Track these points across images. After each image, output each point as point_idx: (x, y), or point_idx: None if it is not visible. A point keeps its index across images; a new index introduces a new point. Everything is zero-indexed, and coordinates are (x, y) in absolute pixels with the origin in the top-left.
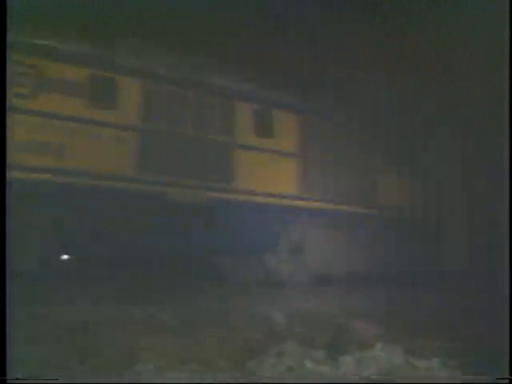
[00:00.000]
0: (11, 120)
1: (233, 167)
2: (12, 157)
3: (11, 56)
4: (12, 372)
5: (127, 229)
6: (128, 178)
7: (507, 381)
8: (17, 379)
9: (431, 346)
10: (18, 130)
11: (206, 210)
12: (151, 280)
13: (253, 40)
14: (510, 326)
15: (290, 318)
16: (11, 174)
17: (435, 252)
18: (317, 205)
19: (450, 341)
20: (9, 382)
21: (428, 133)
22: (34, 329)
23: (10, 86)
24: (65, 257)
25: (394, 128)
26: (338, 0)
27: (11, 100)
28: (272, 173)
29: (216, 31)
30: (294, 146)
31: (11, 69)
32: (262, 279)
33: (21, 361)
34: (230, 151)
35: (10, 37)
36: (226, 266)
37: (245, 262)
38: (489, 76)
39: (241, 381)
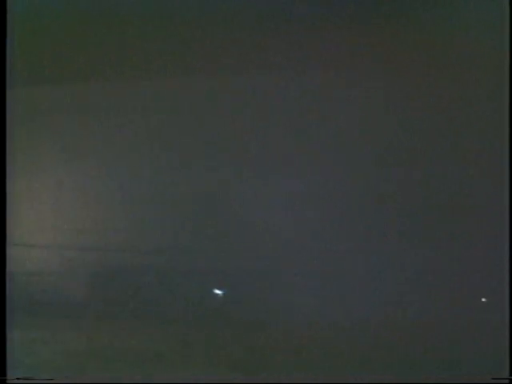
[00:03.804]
0: None
1: None
2: None
3: None
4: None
5: None
6: None
7: (507, 381)
8: (17, 379)
9: None
10: None
11: None
12: None
13: None
14: (509, 326)
15: None
16: None
17: None
18: None
19: None
20: (9, 382)
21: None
22: None
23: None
24: None
25: None
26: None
27: None
28: None
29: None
30: None
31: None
32: None
33: None
34: None
35: None
36: None
37: None
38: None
39: (241, 381)
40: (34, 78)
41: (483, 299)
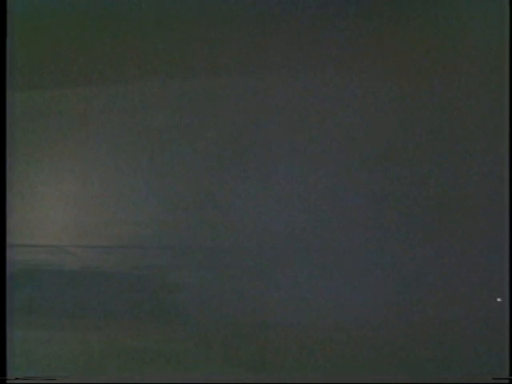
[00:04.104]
0: None
1: None
2: None
3: None
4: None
5: None
6: None
7: (507, 381)
8: (17, 379)
9: None
10: None
11: None
12: None
13: None
14: (509, 326)
15: None
16: None
17: None
18: None
19: None
20: (9, 382)
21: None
22: None
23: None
24: None
25: None
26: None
27: None
28: None
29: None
30: None
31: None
32: None
33: None
34: None
35: None
36: None
37: None
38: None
39: (241, 381)
40: (34, 79)
41: (483, 299)
